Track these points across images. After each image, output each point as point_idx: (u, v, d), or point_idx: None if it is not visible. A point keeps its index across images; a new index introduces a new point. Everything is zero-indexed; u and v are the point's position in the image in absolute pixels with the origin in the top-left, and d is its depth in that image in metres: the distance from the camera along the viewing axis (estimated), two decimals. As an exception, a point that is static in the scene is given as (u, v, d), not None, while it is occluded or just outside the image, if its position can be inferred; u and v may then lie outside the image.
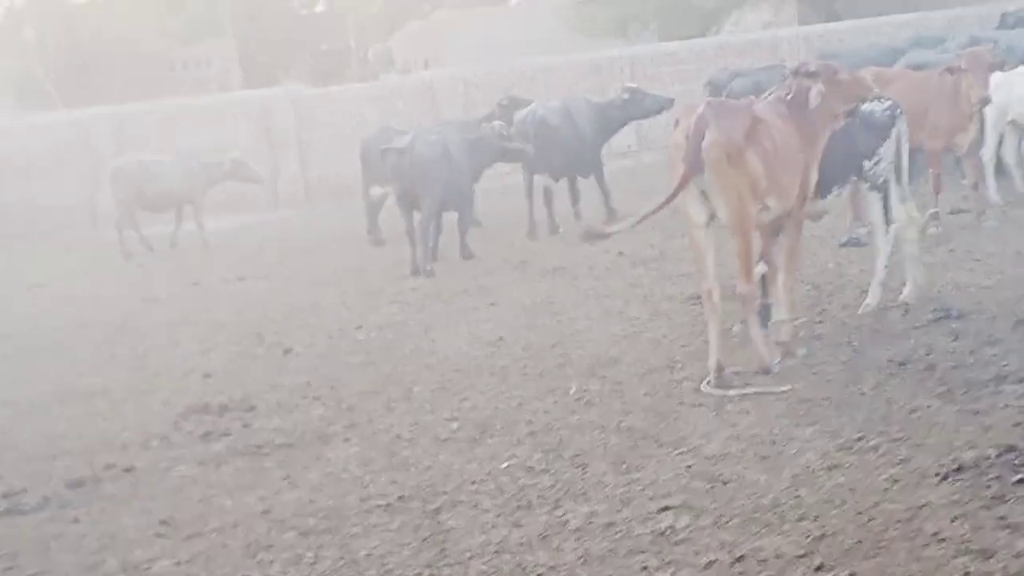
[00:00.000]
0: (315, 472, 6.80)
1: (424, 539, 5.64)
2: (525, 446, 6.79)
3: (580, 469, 6.32)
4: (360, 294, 12.39)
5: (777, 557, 4.98)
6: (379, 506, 6.12)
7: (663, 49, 25.59)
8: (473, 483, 6.31)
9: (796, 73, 7.99)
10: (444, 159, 13.35)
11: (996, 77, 11.55)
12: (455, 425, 7.35)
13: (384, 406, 7.97)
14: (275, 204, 22.93)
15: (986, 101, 11.16)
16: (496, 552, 5.39)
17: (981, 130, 12.12)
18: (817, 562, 4.87)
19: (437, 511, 5.98)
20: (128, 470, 7.17)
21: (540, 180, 14.91)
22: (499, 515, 5.82)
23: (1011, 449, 5.74)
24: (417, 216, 13.20)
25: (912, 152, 9.30)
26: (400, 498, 6.19)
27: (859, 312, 8.82)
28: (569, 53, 25.74)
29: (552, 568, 5.17)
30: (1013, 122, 12.54)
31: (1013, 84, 12.29)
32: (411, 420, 7.58)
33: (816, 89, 7.78)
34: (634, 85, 16.66)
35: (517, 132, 14.45)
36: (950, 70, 11.20)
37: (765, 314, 8.07)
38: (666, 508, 5.64)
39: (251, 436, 7.64)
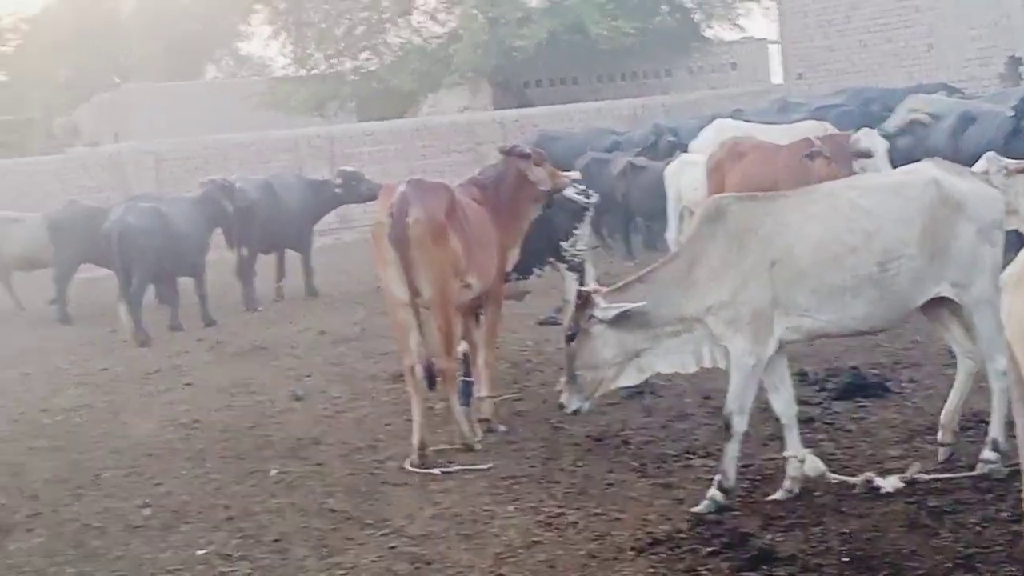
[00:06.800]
0: (-6, 566, 6.35)
1: (115, 634, 5.34)
2: (222, 532, 6.55)
3: (280, 555, 6.15)
4: (44, 375, 11.74)
5: (483, 636, 4.96)
6: (65, 601, 5.76)
7: (361, 129, 25.69)
8: (167, 572, 6.03)
9: (509, 153, 8.21)
10: (158, 228, 13.30)
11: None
12: (147, 512, 7.02)
13: (71, 493, 7.53)
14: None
15: None
16: (193, 645, 5.16)
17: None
18: (521, 639, 4.88)
19: (129, 604, 5.69)
20: None
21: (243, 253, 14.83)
22: (196, 605, 5.59)
23: (702, 522, 5.96)
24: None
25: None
26: (88, 591, 5.85)
27: (557, 389, 8.98)
28: (265, 130, 25.40)
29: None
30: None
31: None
32: (100, 508, 7.18)
33: (533, 169, 8.03)
34: (351, 169, 16.60)
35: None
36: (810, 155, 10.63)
37: (467, 391, 8.14)
38: (370, 592, 5.55)
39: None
